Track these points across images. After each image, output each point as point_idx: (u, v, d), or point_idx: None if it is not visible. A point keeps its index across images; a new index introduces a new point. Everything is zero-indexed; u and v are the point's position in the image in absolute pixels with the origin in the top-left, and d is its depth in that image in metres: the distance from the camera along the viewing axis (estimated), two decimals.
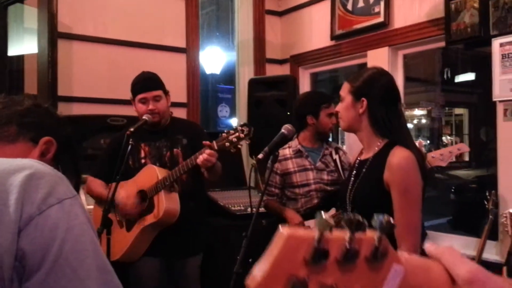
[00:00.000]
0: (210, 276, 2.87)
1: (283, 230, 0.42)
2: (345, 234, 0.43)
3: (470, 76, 7.18)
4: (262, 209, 2.34)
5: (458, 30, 2.97)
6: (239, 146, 2.19)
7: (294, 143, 2.86)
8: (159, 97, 2.47)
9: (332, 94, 2.99)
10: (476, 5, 2.87)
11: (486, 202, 2.73)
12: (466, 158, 12.98)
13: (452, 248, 0.49)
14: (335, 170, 2.75)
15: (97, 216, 2.33)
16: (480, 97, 9.93)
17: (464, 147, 2.76)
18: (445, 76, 6.91)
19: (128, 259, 2.47)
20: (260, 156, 1.88)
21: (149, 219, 2.38)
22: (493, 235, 2.76)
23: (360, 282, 0.44)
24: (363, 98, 1.75)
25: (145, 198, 2.41)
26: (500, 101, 2.78)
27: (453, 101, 11.56)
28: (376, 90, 1.74)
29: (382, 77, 1.79)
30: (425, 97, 10.49)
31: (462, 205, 6.52)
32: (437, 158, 2.77)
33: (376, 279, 0.45)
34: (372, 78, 1.77)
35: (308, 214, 2.74)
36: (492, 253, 2.80)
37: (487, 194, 2.77)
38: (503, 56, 2.75)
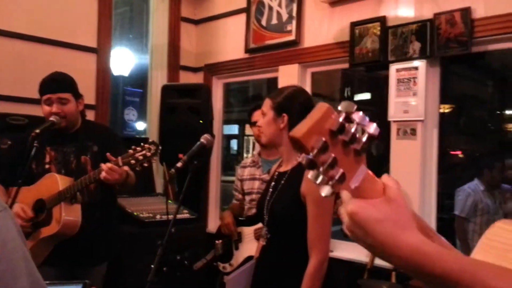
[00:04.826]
0: (115, 286, 2.79)
1: (324, 103, 0.60)
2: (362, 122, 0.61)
3: (366, 96, 7.79)
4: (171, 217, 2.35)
5: (361, 54, 3.23)
6: (145, 165, 2.12)
7: (256, 153, 3.05)
8: (66, 100, 2.34)
9: (243, 104, 3.09)
10: (377, 32, 3.15)
11: None
12: None
13: (399, 190, 0.65)
14: None
15: None
16: (372, 115, 10.75)
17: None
18: (345, 94, 7.45)
19: None
20: (179, 165, 1.89)
21: (46, 231, 2.25)
22: None
23: (346, 166, 0.61)
24: (284, 114, 1.85)
25: (43, 209, 2.27)
26: (394, 121, 3.05)
27: None
28: (296, 107, 1.85)
29: (302, 94, 1.91)
30: None
31: None
32: None
33: (353, 167, 0.63)
34: (292, 95, 1.88)
35: (246, 221, 2.85)
36: None
37: None
38: (399, 81, 3.03)
